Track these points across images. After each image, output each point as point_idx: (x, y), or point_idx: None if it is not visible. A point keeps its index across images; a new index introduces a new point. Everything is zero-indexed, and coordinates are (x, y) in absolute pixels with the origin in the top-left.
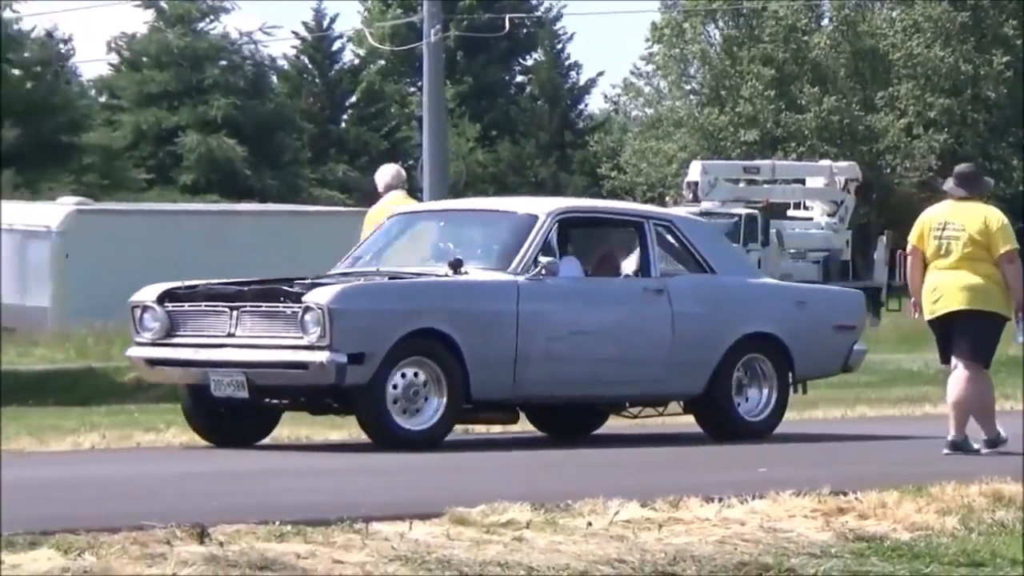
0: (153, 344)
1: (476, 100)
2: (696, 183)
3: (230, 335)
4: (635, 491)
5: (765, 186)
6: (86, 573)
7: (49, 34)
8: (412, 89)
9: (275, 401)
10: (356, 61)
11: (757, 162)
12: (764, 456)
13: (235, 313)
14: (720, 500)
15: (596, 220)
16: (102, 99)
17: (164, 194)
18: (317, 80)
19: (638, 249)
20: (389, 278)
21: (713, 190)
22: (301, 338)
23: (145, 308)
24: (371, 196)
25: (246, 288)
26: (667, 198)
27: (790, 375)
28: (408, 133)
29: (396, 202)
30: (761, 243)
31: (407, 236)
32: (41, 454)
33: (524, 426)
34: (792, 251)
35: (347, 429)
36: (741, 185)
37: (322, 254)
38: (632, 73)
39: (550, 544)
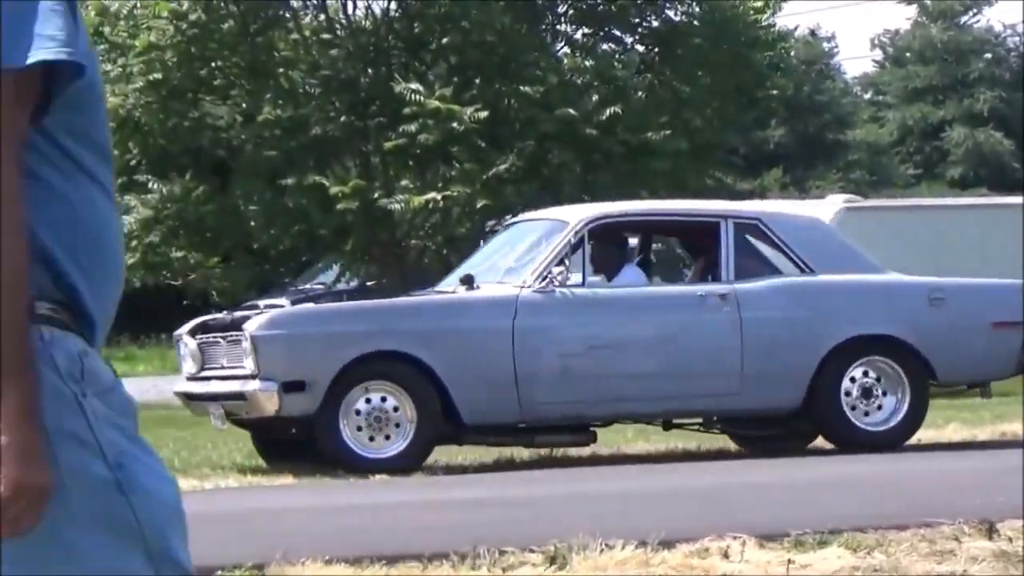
0: (191, 379)
1: None
2: None
3: (222, 367)
4: None
5: None
6: (876, 572)
7: (812, 33)
8: None
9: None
10: None
11: None
12: None
13: (223, 344)
14: None
15: (660, 225)
16: (867, 96)
17: (932, 188)
18: None
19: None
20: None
21: None
22: (244, 368)
23: (181, 341)
24: None
25: (232, 317)
26: None
27: (928, 381)
28: None
29: None
30: None
31: (511, 246)
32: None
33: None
34: None
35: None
36: None
37: None
38: None
39: None
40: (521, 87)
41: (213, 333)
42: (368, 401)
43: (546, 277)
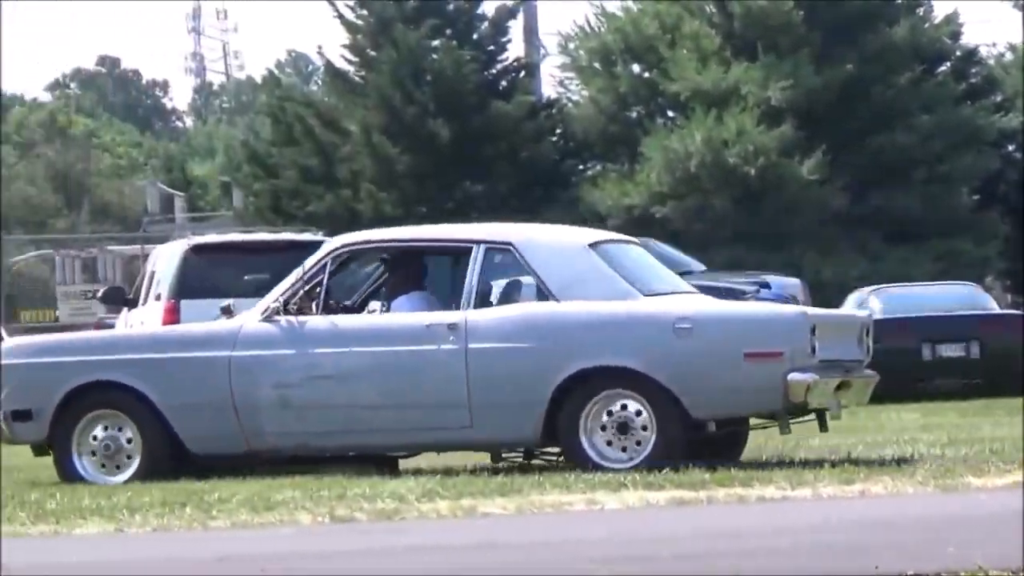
0: None
1: None
2: None
3: None
4: None
5: None
6: None
7: None
8: None
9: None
10: None
11: None
12: None
13: None
14: None
15: (413, 251)
16: None
17: None
18: None
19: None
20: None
21: None
22: None
23: None
24: None
25: None
26: None
27: (677, 415)
28: None
29: None
30: None
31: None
32: None
33: None
34: None
35: None
36: None
37: None
38: None
39: None
40: None
41: None
42: (107, 428)
43: (274, 308)
